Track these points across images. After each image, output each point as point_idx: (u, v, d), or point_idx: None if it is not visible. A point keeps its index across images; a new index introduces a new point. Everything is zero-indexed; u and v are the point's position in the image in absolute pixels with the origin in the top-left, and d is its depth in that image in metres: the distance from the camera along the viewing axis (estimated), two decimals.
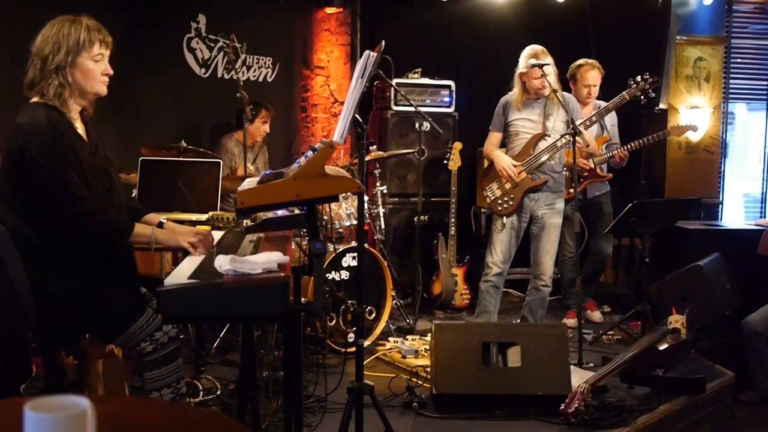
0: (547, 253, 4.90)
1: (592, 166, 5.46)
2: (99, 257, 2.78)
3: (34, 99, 2.78)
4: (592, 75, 5.44)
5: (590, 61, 5.50)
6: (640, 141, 5.41)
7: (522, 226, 4.93)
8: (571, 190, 5.42)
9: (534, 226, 4.94)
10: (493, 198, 4.93)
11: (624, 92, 5.01)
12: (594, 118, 5.06)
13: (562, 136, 4.76)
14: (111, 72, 2.86)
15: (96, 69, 2.80)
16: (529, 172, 4.83)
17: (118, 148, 4.98)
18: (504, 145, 5.09)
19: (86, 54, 2.75)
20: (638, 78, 5.00)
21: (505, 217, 4.86)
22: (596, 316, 5.86)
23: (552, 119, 4.85)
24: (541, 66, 4.65)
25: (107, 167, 2.91)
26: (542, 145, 4.84)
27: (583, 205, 5.59)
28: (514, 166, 4.83)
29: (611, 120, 5.60)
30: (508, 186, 4.87)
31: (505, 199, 4.86)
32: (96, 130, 2.97)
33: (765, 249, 4.82)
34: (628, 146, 5.41)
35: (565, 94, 4.91)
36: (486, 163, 5.15)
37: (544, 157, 4.80)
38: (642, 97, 4.99)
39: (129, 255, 2.85)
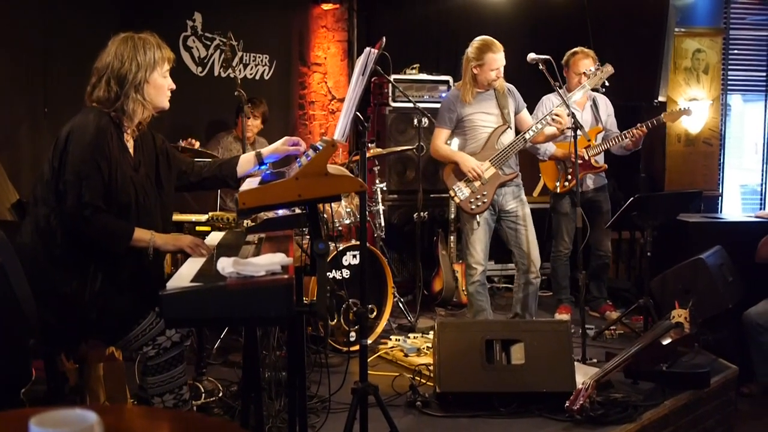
0: (532, 244, 4.80)
1: (586, 157, 5.33)
2: (106, 258, 2.76)
3: (90, 105, 2.82)
4: (585, 63, 5.32)
5: (585, 49, 5.42)
6: (637, 128, 5.27)
7: (493, 220, 4.84)
8: (566, 183, 5.40)
9: (508, 221, 4.83)
10: (462, 198, 4.75)
11: (585, 82, 4.94)
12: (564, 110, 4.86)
13: (536, 123, 4.69)
14: (174, 87, 2.94)
15: (165, 85, 2.89)
16: (498, 167, 4.71)
17: None
18: (452, 140, 4.92)
19: (159, 71, 2.85)
20: (591, 68, 4.98)
21: (478, 215, 4.75)
22: (614, 316, 5.57)
23: (506, 110, 4.77)
24: (543, 61, 4.53)
25: (146, 186, 2.91)
26: (507, 137, 4.75)
27: (581, 200, 5.53)
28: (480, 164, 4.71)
29: (607, 110, 5.54)
30: (477, 184, 4.70)
31: (478, 197, 4.70)
32: (147, 149, 2.99)
33: (762, 257, 4.79)
34: (643, 126, 5.21)
35: (508, 84, 4.84)
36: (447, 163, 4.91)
37: (517, 149, 4.70)
38: (601, 87, 4.95)
39: (136, 258, 2.82)
